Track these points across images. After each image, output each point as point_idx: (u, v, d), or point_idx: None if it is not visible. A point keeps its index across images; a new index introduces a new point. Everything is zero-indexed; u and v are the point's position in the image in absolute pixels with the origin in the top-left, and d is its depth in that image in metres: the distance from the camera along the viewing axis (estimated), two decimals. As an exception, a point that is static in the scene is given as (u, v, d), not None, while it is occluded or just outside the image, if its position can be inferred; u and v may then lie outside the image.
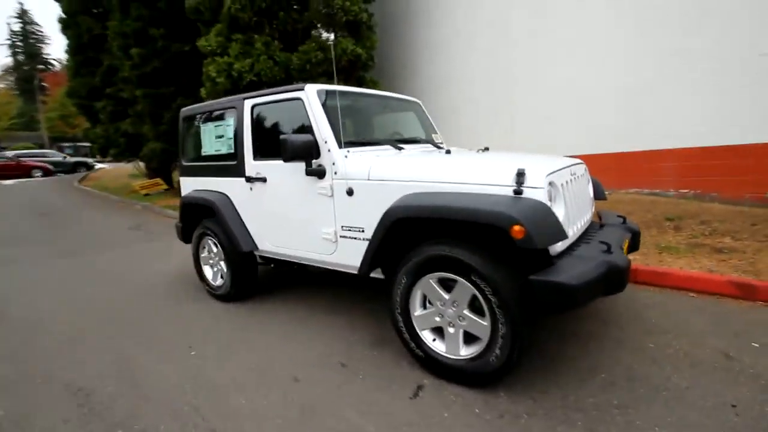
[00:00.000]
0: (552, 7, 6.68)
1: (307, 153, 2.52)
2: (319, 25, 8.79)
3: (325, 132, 2.58)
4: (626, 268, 1.90)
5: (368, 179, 2.41)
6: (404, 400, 2.00)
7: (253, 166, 3.06)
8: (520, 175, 1.93)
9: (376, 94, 3.42)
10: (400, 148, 2.84)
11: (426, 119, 3.68)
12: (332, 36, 8.86)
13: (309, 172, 2.60)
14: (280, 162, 2.87)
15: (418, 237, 2.21)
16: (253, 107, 3.05)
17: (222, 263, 3.49)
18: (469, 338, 2.06)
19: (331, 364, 2.38)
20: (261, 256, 3.39)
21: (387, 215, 2.15)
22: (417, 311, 2.20)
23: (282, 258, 3.13)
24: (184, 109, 3.80)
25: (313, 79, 8.00)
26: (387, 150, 2.78)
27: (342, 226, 2.58)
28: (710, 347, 2.30)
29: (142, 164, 12.89)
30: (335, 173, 2.55)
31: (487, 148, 2.96)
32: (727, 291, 2.91)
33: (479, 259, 1.88)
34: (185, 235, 3.87)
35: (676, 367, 2.12)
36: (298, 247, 2.91)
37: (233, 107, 3.20)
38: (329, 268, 2.81)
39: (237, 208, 3.27)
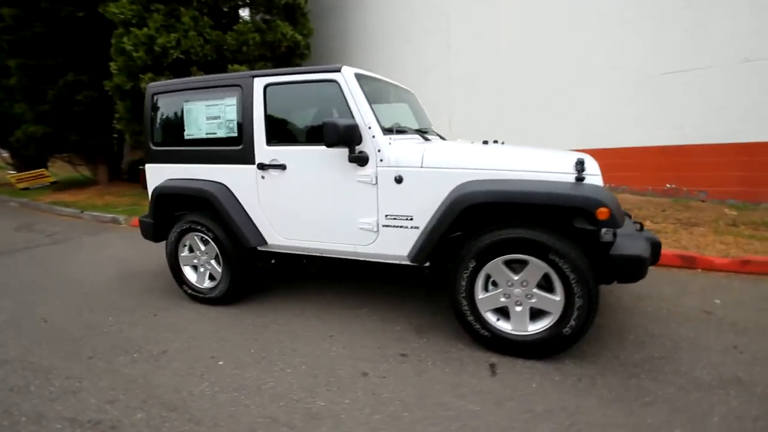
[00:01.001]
0: (490, 14, 7.28)
1: (351, 138, 2.40)
2: (249, 3, 8.14)
3: (369, 117, 2.48)
4: (660, 244, 2.26)
5: (421, 167, 2.40)
6: (486, 378, 2.08)
7: (267, 152, 2.77)
8: (580, 163, 2.14)
9: (385, 81, 3.37)
10: (427, 138, 2.87)
11: (420, 110, 3.74)
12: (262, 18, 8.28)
13: (353, 159, 2.47)
14: (306, 147, 2.68)
15: (477, 222, 2.29)
16: (266, 87, 2.75)
17: (213, 262, 3.09)
18: (533, 315, 2.23)
19: (391, 356, 2.32)
20: (263, 252, 3.08)
21: (458, 201, 2.18)
22: (481, 294, 2.28)
23: (297, 252, 2.91)
24: (153, 84, 3.23)
25: (249, 64, 7.42)
26: (414, 138, 2.78)
27: (386, 215, 2.52)
28: (688, 306, 2.85)
29: (5, 153, 10.34)
30: (380, 161, 2.47)
31: (496, 141, 3.11)
32: (674, 263, 3.62)
33: (557, 239, 2.05)
34: (157, 233, 3.30)
35: (677, 323, 2.59)
36: (325, 239, 2.73)
37: (236, 85, 2.84)
38: (363, 259, 2.71)
39: (239, 198, 2.92)
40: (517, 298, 2.21)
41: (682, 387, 1.94)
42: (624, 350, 2.29)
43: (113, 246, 5.47)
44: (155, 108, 3.20)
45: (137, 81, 6.82)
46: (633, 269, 1.98)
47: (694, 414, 1.75)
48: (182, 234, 3.13)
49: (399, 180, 2.45)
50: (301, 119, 2.83)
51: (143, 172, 3.42)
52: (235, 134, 2.88)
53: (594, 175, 2.17)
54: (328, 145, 2.40)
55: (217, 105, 2.94)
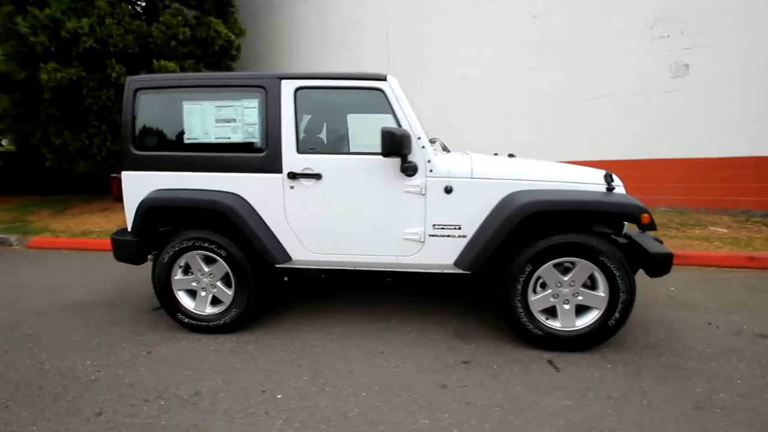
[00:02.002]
0: (428, 34, 7.73)
1: (406, 148, 2.38)
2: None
3: (418, 127, 2.48)
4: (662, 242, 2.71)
5: (471, 177, 2.49)
6: (554, 374, 2.23)
7: (298, 160, 2.55)
8: (609, 176, 2.47)
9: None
10: (448, 150, 2.97)
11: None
12: (192, 13, 7.54)
13: (404, 169, 2.44)
14: (347, 156, 2.57)
15: (526, 229, 2.46)
16: (297, 90, 2.55)
17: (220, 284, 2.71)
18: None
19: (454, 365, 2.33)
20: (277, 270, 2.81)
21: (520, 209, 2.31)
22: (532, 296, 2.44)
23: (327, 267, 2.73)
24: (136, 78, 2.72)
25: (178, 60, 6.68)
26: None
27: (434, 225, 2.54)
28: (657, 293, 3.43)
29: None
30: (430, 171, 2.49)
31: (512, 155, 3.37)
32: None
33: (603, 242, 2.32)
34: (141, 253, 2.76)
35: (659, 309, 3.11)
36: (363, 251, 2.62)
37: (258, 86, 2.57)
38: (403, 270, 2.67)
39: (258, 211, 2.63)
40: (565, 297, 2.43)
41: (699, 360, 2.36)
42: (640, 335, 2.67)
43: (21, 273, 4.36)
44: (138, 106, 2.70)
45: (35, 70, 5.56)
46: (666, 265, 2.36)
47: (724, 379, 2.15)
48: (180, 253, 2.67)
49: (449, 190, 2.50)
50: (339, 126, 2.69)
51: (116, 180, 2.83)
52: (257, 140, 2.60)
53: (620, 186, 2.53)
54: (385, 155, 2.34)
55: (231, 107, 2.61)
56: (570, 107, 6.68)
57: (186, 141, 2.67)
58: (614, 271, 2.31)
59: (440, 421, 1.85)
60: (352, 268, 2.72)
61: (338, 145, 2.66)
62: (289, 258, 2.67)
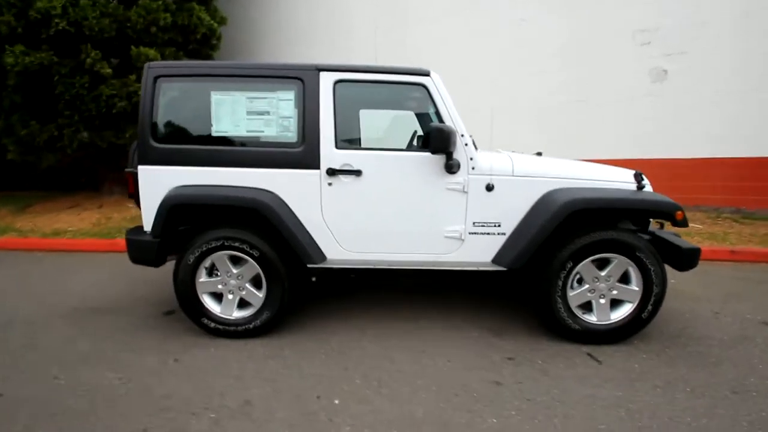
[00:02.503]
0: (416, 31, 7.73)
1: (453, 145, 2.36)
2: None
3: (461, 124, 2.47)
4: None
5: (513, 175, 2.51)
6: (598, 366, 2.30)
7: (337, 155, 2.47)
8: (638, 175, 2.58)
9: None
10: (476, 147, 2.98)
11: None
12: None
13: (449, 166, 2.42)
14: (389, 153, 2.52)
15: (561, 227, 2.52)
16: (336, 83, 2.46)
17: (249, 286, 2.57)
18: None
19: (501, 362, 2.35)
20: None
21: (565, 207, 2.35)
22: (571, 291, 2.51)
23: (363, 266, 2.66)
24: (156, 64, 2.52)
25: (158, 47, 6.28)
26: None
27: (474, 223, 2.54)
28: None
29: None
30: (472, 168, 2.48)
31: (540, 153, 3.40)
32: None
33: (640, 239, 2.42)
34: (161, 254, 2.56)
35: (668, 300, 3.29)
36: (402, 250, 2.58)
37: (294, 78, 2.46)
38: (441, 268, 2.65)
39: (292, 208, 2.51)
40: (601, 292, 2.51)
41: (720, 347, 2.52)
42: (660, 326, 2.80)
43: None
44: (159, 95, 2.49)
45: (-1, 53, 5.02)
46: (695, 259, 2.49)
47: (748, 364, 2.30)
48: (206, 254, 2.51)
49: (490, 188, 2.50)
50: (379, 121, 2.62)
51: (132, 175, 2.60)
52: (293, 134, 2.48)
53: (648, 185, 2.64)
54: (433, 152, 2.32)
55: (265, 98, 2.47)
56: (553, 110, 6.92)
57: (214, 134, 2.50)
58: (649, 266, 2.42)
59: (509, 419, 1.86)
60: (388, 267, 2.67)
61: (376, 140, 2.60)
62: (324, 258, 2.58)
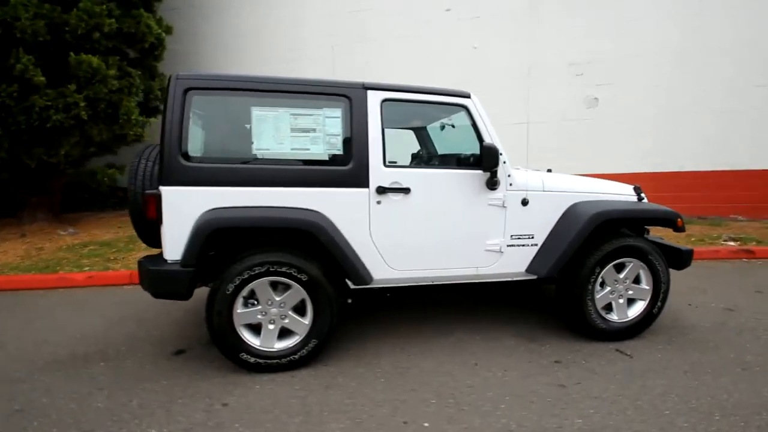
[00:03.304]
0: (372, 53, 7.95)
1: (499, 163, 2.50)
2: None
3: (499, 143, 2.62)
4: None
5: (543, 190, 2.72)
6: (631, 360, 2.55)
7: (385, 173, 2.45)
8: (637, 188, 2.97)
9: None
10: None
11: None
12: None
13: (492, 183, 2.54)
14: (437, 171, 2.58)
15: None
16: (383, 102, 2.46)
17: (292, 313, 2.41)
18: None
19: (550, 365, 2.49)
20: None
21: (593, 219, 2.60)
22: (597, 294, 2.75)
23: (407, 284, 2.64)
24: (185, 75, 2.28)
25: (101, 55, 5.66)
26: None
27: (511, 236, 2.69)
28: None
29: None
30: (510, 185, 2.64)
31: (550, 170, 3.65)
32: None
33: (651, 244, 2.76)
34: (193, 285, 2.28)
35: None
36: (447, 265, 2.63)
37: (341, 95, 2.41)
38: (481, 281, 2.74)
39: (340, 228, 2.43)
40: (620, 293, 2.81)
41: (710, 333, 2.93)
42: (663, 320, 3.18)
43: None
44: (189, 109, 2.26)
45: None
46: (691, 259, 2.90)
47: (738, 345, 2.72)
48: (247, 282, 2.29)
49: (525, 202, 2.68)
50: (422, 139, 2.65)
51: (154, 198, 2.27)
52: (340, 152, 2.42)
53: (645, 197, 3.03)
54: (487, 169, 2.44)
55: (311, 115, 2.38)
56: (500, 131, 7.56)
57: (254, 152, 2.34)
58: (658, 267, 2.77)
59: (591, 418, 1.98)
60: (431, 284, 2.69)
61: (425, 158, 2.64)
62: (371, 278, 2.51)
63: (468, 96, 2.60)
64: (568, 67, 7.31)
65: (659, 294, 2.81)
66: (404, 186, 2.49)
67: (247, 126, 2.33)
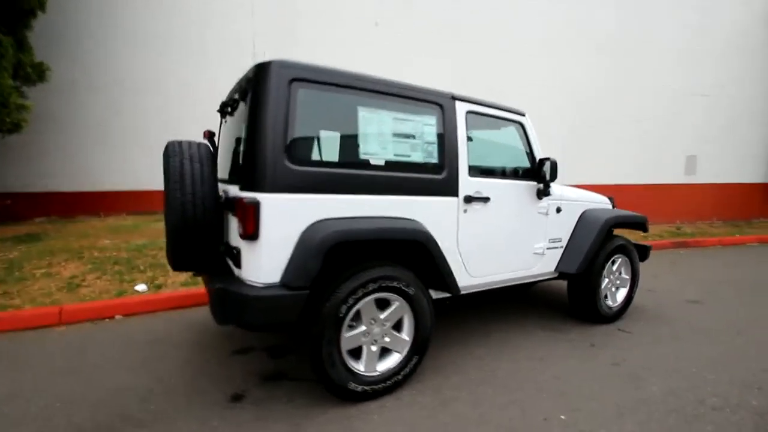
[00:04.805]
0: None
1: (554, 175, 2.84)
2: None
3: (541, 157, 2.95)
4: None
5: (569, 200, 3.18)
6: (632, 337, 3.16)
7: (470, 183, 2.52)
8: (611, 198, 3.72)
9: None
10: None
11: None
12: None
13: (546, 193, 2.86)
14: (506, 181, 2.78)
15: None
16: (467, 113, 2.52)
17: (394, 332, 2.26)
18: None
19: (589, 349, 2.91)
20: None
21: (607, 223, 3.16)
22: (602, 284, 3.33)
23: (479, 290, 2.74)
24: (287, 63, 1.93)
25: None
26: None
27: (549, 240, 3.05)
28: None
29: None
30: (548, 195, 3.00)
31: None
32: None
33: (629, 242, 3.48)
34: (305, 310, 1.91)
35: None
36: (510, 269, 2.84)
37: (434, 103, 2.38)
38: (526, 281, 3.02)
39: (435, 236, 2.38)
40: (613, 283, 3.45)
41: (678, 311, 3.81)
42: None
43: None
44: (296, 104, 1.91)
45: None
46: (649, 253, 3.74)
47: (704, 320, 3.66)
48: (357, 301, 2.04)
49: (559, 210, 3.09)
50: (494, 151, 2.77)
51: (253, 207, 1.79)
52: (436, 160, 2.37)
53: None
54: (552, 181, 2.72)
55: (411, 121, 2.28)
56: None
57: (361, 156, 2.11)
58: (635, 260, 3.52)
59: (655, 387, 2.42)
60: (496, 287, 2.84)
61: (498, 168, 2.77)
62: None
63: (524, 114, 2.87)
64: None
65: (635, 281, 3.57)
66: (484, 195, 2.59)
67: (354, 127, 2.10)
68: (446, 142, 2.42)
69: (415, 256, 2.30)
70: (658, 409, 2.16)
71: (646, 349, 2.92)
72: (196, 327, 3.20)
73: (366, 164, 2.15)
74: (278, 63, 1.91)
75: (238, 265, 2.00)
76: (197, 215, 2.06)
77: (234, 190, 2.05)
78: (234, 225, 2.06)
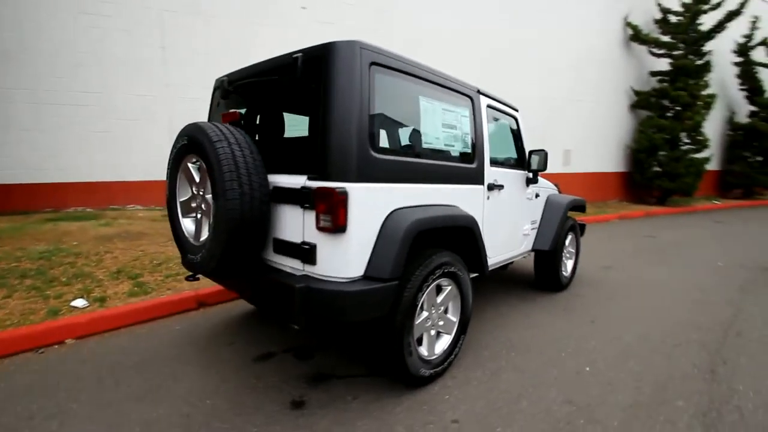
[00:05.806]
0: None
1: (543, 165, 3.23)
2: None
3: (532, 149, 3.32)
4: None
5: (542, 186, 3.63)
6: (590, 299, 3.83)
7: (492, 172, 2.74)
8: (556, 185, 4.37)
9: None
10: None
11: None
12: None
13: (535, 181, 3.23)
14: (512, 171, 3.05)
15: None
16: (488, 107, 2.71)
17: (446, 315, 2.37)
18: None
19: (565, 314, 3.43)
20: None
21: (567, 206, 3.71)
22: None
23: (491, 269, 2.97)
24: (367, 45, 1.82)
25: None
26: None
27: (531, 222, 3.48)
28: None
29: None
30: (536, 182, 3.40)
31: None
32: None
33: (575, 221, 4.16)
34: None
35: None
36: (508, 249, 3.15)
37: (466, 96, 2.51)
38: (513, 260, 3.39)
39: (474, 223, 2.55)
40: (567, 255, 4.08)
41: (615, 278, 4.69)
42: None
43: None
44: (376, 89, 1.82)
45: None
46: (584, 230, 4.48)
47: (624, 288, 4.54)
48: (426, 283, 2.08)
49: (537, 196, 3.53)
50: (501, 143, 2.97)
51: (342, 197, 1.62)
52: (469, 150, 2.50)
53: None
54: (542, 171, 3.09)
55: (453, 112, 2.36)
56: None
57: (424, 146, 2.12)
58: (579, 236, 4.22)
59: (629, 336, 3.03)
60: (500, 266, 3.13)
61: (505, 159, 2.98)
62: (483, 268, 2.73)
63: (517, 110, 3.19)
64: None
65: (579, 253, 4.28)
66: (500, 183, 2.83)
67: (417, 116, 2.09)
68: (476, 132, 2.58)
69: (460, 241, 2.42)
70: (642, 350, 2.72)
71: (605, 306, 3.58)
72: (183, 339, 2.77)
73: (427, 153, 2.17)
74: (359, 44, 1.80)
75: (310, 261, 1.84)
76: (254, 209, 1.82)
77: (294, 180, 1.86)
78: (292, 218, 1.88)
